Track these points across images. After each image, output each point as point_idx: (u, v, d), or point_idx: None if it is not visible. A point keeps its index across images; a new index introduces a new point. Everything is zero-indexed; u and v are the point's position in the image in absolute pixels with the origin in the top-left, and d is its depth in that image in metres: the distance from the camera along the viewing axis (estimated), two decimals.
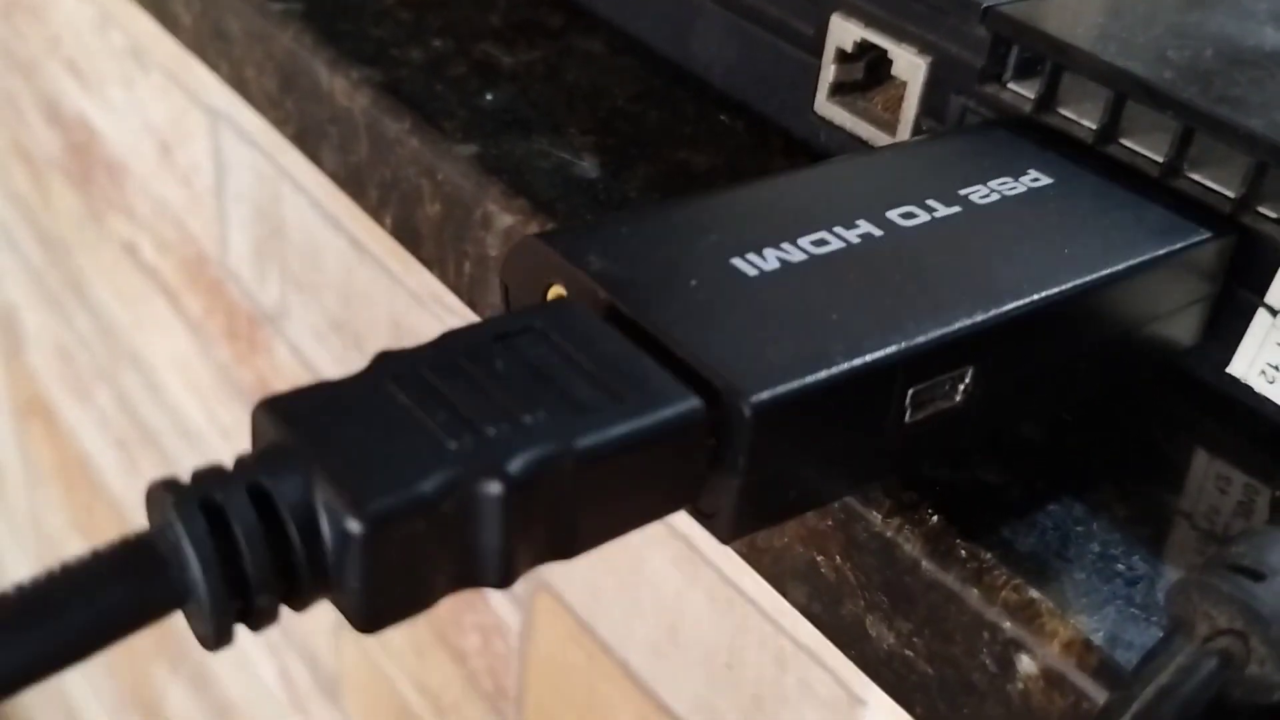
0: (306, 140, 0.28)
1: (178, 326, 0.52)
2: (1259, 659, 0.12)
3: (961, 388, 0.15)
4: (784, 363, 0.14)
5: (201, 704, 0.64)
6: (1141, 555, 0.16)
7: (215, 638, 0.12)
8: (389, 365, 0.13)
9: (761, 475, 0.14)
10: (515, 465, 0.12)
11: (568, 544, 0.13)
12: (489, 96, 0.25)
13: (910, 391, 0.15)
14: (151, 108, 0.47)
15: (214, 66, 0.31)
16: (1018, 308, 0.16)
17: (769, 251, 0.16)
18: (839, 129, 0.23)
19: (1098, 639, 0.15)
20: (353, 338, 0.39)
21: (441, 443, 0.13)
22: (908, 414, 0.15)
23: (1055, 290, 0.16)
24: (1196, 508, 0.18)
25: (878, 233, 0.16)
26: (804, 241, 0.16)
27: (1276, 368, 0.18)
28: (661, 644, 0.31)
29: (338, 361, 0.41)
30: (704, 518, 0.15)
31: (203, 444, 0.54)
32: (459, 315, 0.34)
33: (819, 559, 0.17)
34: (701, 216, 0.16)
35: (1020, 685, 0.15)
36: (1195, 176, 0.19)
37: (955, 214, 0.17)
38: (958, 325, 0.15)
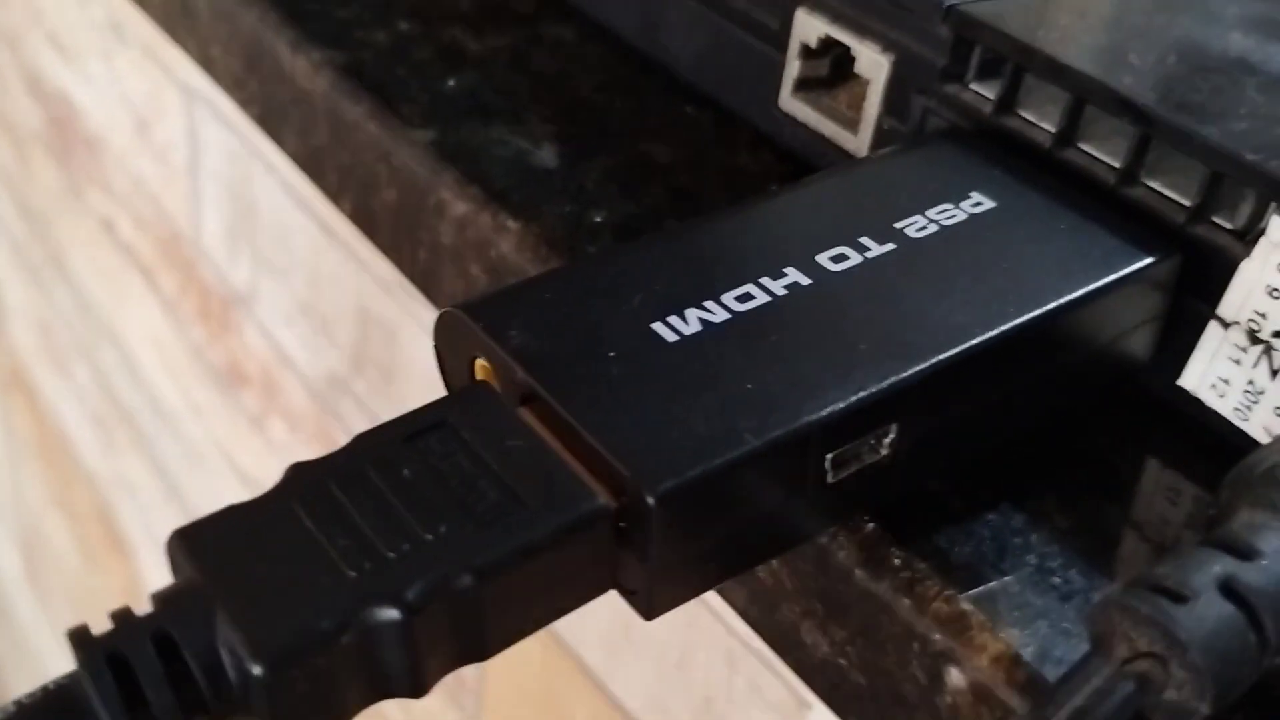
0: (270, 122, 0.28)
1: (153, 304, 0.52)
2: (1177, 684, 0.12)
3: (887, 442, 0.15)
4: (691, 446, 0.14)
5: None
6: (1080, 569, 0.16)
7: None
8: (299, 481, 0.14)
9: (677, 555, 0.14)
10: (412, 592, 0.13)
11: (479, 650, 0.14)
12: (451, 82, 0.25)
13: (829, 456, 0.15)
14: (130, 83, 0.47)
15: (182, 44, 0.31)
16: (943, 359, 0.15)
17: (691, 313, 0.16)
18: (802, 125, 0.23)
19: (1027, 654, 0.15)
20: (320, 321, 0.39)
21: (341, 573, 0.13)
22: (829, 475, 0.15)
23: (987, 335, 0.16)
24: (1145, 518, 0.18)
25: (805, 281, 0.16)
26: (728, 298, 0.16)
27: (1227, 381, 0.18)
28: (616, 640, 0.30)
29: (305, 346, 0.41)
30: (627, 594, 0.15)
31: (176, 423, 0.54)
32: (421, 302, 0.33)
33: None
34: (628, 274, 0.16)
35: (949, 699, 0.15)
36: (1151, 184, 0.18)
37: (888, 253, 0.17)
38: (874, 388, 0.15)
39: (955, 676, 0.15)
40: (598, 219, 0.22)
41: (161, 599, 0.13)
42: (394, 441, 0.14)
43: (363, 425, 0.39)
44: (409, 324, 0.35)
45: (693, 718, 0.28)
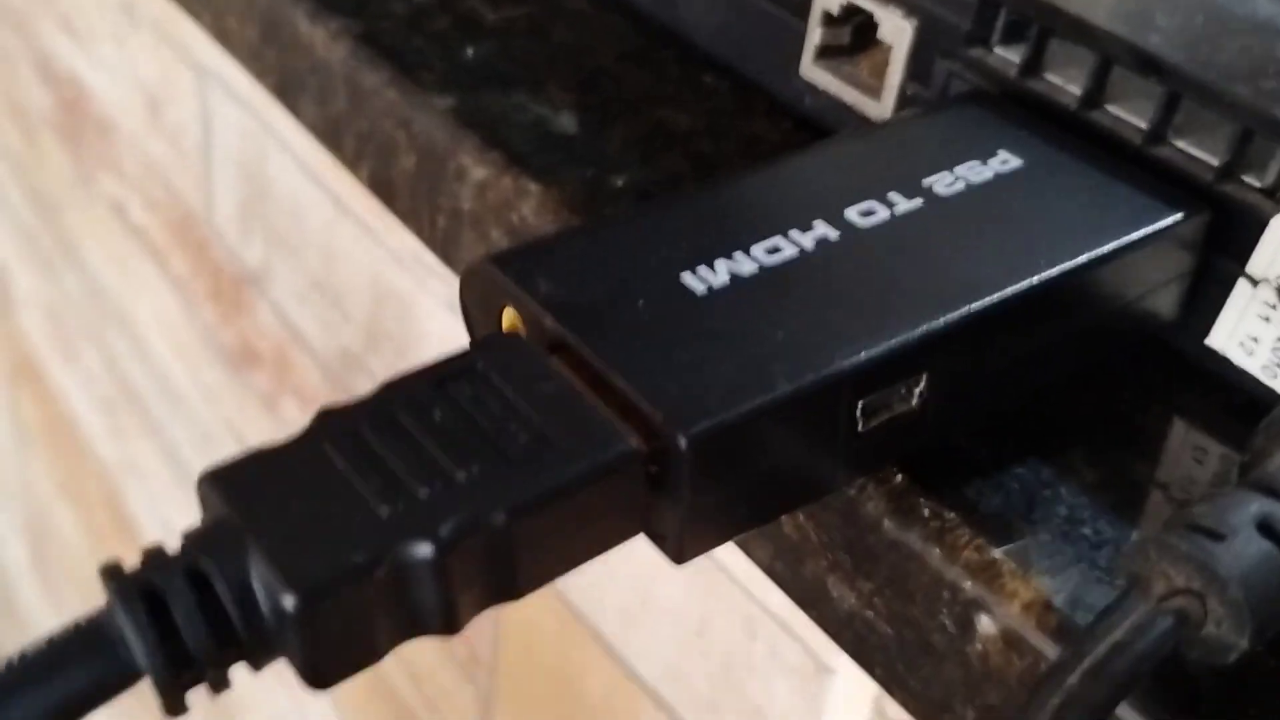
0: (287, 92, 0.28)
1: (164, 287, 0.52)
2: (1216, 620, 0.12)
3: (917, 392, 0.15)
4: (722, 391, 0.14)
5: None
6: (1109, 520, 0.16)
7: (168, 707, 0.13)
8: (329, 425, 0.14)
9: (706, 500, 0.14)
10: (445, 529, 0.13)
11: (511, 589, 0.14)
12: (470, 51, 0.25)
13: (860, 404, 0.15)
14: (141, 64, 0.47)
15: (197, 16, 0.31)
16: (970, 311, 0.15)
17: (720, 264, 0.16)
18: (823, 93, 0.23)
19: (1058, 601, 0.15)
20: (334, 298, 0.39)
21: (374, 510, 0.13)
22: (859, 424, 0.15)
23: (1016, 288, 0.16)
24: (1171, 477, 0.17)
25: (833, 235, 0.16)
26: (757, 250, 0.16)
27: (1255, 339, 0.18)
28: (633, 610, 0.30)
29: (318, 322, 0.41)
30: (656, 538, 0.15)
31: (186, 407, 0.54)
32: (437, 275, 0.33)
33: (782, 517, 0.17)
34: (658, 226, 0.16)
35: (979, 646, 0.15)
36: (1179, 143, 0.18)
37: (916, 209, 0.17)
38: (906, 336, 0.15)
39: (986, 624, 0.15)
40: (619, 183, 0.22)
41: (192, 536, 0.13)
42: (424, 386, 0.14)
43: None
44: (424, 297, 0.35)
45: (710, 685, 0.28)
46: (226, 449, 0.51)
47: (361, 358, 0.39)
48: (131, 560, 0.13)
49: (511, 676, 0.36)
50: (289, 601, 0.12)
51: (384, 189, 0.25)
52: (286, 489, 0.13)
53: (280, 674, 0.14)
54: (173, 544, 0.14)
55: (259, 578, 0.13)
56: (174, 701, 0.13)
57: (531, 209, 0.21)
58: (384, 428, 0.14)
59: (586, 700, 0.33)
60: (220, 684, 0.13)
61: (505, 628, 0.35)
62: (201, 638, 0.13)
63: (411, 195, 0.24)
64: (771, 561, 0.18)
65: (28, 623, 0.94)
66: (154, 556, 0.13)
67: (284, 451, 0.14)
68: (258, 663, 0.13)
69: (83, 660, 0.13)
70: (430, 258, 0.34)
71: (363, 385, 0.41)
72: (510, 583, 0.14)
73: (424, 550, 0.13)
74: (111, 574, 0.13)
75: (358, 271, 0.37)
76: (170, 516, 0.59)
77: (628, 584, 0.30)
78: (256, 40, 0.28)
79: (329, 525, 0.13)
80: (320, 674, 0.13)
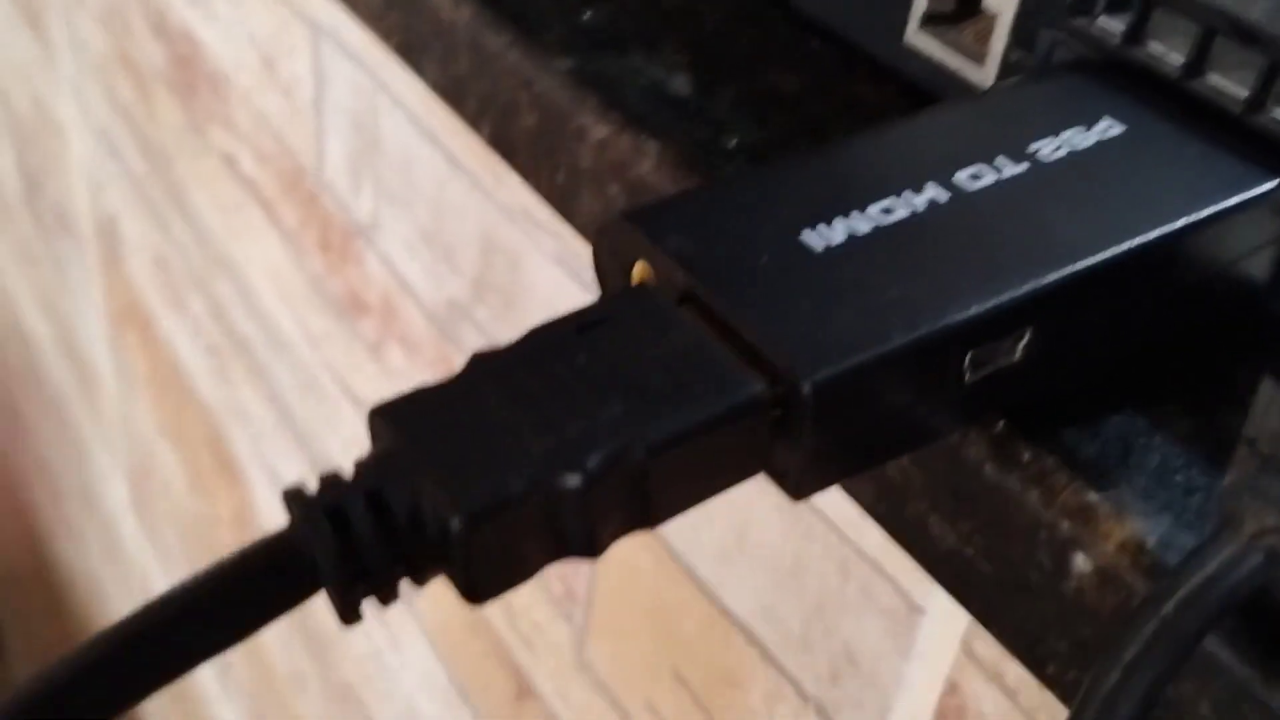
0: (410, 53, 0.29)
1: (272, 237, 0.53)
2: None
3: (1021, 347, 0.16)
4: (842, 341, 0.15)
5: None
6: (1200, 469, 0.17)
7: (345, 615, 0.14)
8: (482, 367, 0.15)
9: (825, 442, 0.15)
10: (591, 462, 0.14)
11: (647, 519, 0.15)
12: (588, 15, 0.26)
13: (967, 356, 0.16)
14: (255, 21, 0.48)
15: None
16: (1074, 271, 0.16)
17: (838, 222, 0.17)
18: (928, 59, 0.24)
19: (1151, 542, 0.16)
20: (442, 250, 0.41)
21: (527, 443, 0.14)
22: (967, 375, 0.16)
23: (1116, 249, 0.17)
24: (1260, 432, 0.18)
25: (944, 197, 0.17)
26: (873, 210, 0.17)
27: None
28: (729, 550, 0.32)
29: (426, 274, 0.42)
30: (777, 476, 0.16)
31: (292, 353, 0.56)
32: (547, 230, 0.35)
33: (887, 463, 0.18)
34: (777, 186, 0.17)
35: (1074, 583, 0.16)
36: (1277, 114, 0.19)
37: (1022, 173, 0.18)
38: (1012, 292, 0.16)
39: (1081, 561, 0.16)
40: (731, 144, 0.23)
41: (366, 463, 0.15)
42: (566, 332, 0.16)
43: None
44: (532, 251, 0.36)
45: (803, 624, 0.30)
46: (330, 395, 0.53)
47: (468, 308, 0.40)
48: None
49: (606, 613, 0.38)
50: (455, 523, 0.14)
51: (504, 146, 0.26)
52: (449, 423, 0.15)
53: (375, 611, 0.15)
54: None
55: (428, 501, 0.14)
56: (350, 610, 0.14)
57: (650, 167, 0.23)
58: (532, 369, 0.15)
59: (680, 637, 0.34)
60: (390, 596, 0.14)
61: (601, 565, 0.37)
62: (379, 554, 0.14)
63: (531, 154, 0.25)
64: (874, 503, 0.19)
65: (129, 562, 0.98)
66: (331, 481, 0.14)
67: (444, 389, 0.15)
68: (422, 578, 0.15)
69: (272, 574, 0.14)
70: (541, 214, 0.35)
71: (468, 335, 0.43)
72: (645, 513, 0.15)
73: (573, 481, 0.14)
74: (295, 498, 0.14)
75: (467, 225, 0.39)
76: (271, 459, 0.62)
77: (724, 525, 0.31)
78: (380, 4, 0.30)
79: (489, 456, 0.14)
80: (478, 589, 0.14)
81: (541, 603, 0.41)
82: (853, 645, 0.29)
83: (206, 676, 0.84)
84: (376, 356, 0.48)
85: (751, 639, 0.32)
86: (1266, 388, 0.19)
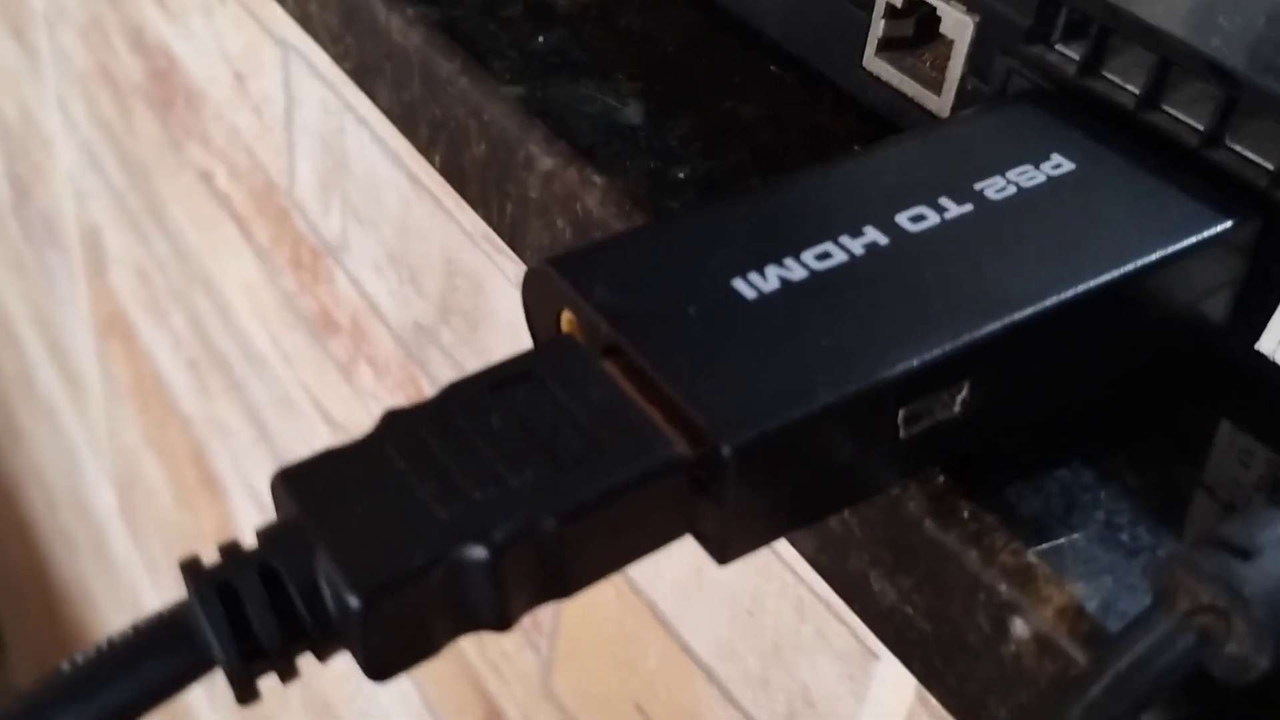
0: (364, 76, 0.28)
1: (247, 253, 0.53)
2: (1239, 638, 0.12)
3: (959, 399, 0.16)
4: (767, 399, 0.14)
5: None
6: (1148, 526, 0.16)
7: (240, 696, 0.14)
8: (393, 427, 0.15)
9: (750, 504, 0.15)
10: (499, 533, 0.14)
11: (564, 588, 0.15)
12: (541, 39, 0.25)
13: (901, 411, 0.15)
14: (228, 38, 0.48)
15: (280, 1, 0.31)
16: (1014, 321, 0.16)
17: (771, 270, 0.16)
18: (886, 85, 0.23)
19: (1091, 607, 0.15)
20: (408, 272, 0.40)
21: (432, 513, 0.14)
22: (901, 430, 0.15)
23: (1059, 297, 0.16)
24: (1217, 480, 0.18)
25: (883, 241, 0.16)
26: (808, 255, 0.16)
27: None
28: (688, 587, 0.31)
29: (393, 295, 0.42)
30: (702, 539, 0.15)
31: (268, 370, 0.55)
32: (507, 254, 0.34)
33: None
34: (710, 232, 0.17)
35: (1013, 648, 0.15)
36: (1235, 147, 0.18)
37: (966, 214, 0.17)
38: (949, 345, 0.15)
39: (1020, 627, 0.15)
40: (681, 175, 0.22)
41: (266, 535, 0.14)
42: (483, 390, 0.15)
43: (448, 373, 0.40)
44: (494, 275, 0.35)
45: (761, 663, 0.29)
46: (305, 412, 0.53)
47: (433, 331, 0.40)
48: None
49: (571, 643, 0.37)
50: (353, 601, 0.13)
51: (455, 175, 0.26)
52: (352, 490, 0.14)
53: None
54: (238, 540, 0.14)
55: (325, 577, 0.13)
56: (246, 690, 0.14)
57: (596, 200, 0.22)
58: (444, 431, 0.14)
59: (642, 669, 0.34)
60: (288, 674, 0.14)
61: None
62: (273, 633, 0.13)
63: (482, 183, 0.25)
64: (816, 554, 0.18)
65: (118, 567, 0.97)
66: (230, 553, 0.14)
67: (351, 452, 0.15)
68: (323, 654, 0.14)
69: (164, 652, 0.14)
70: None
71: (434, 358, 0.42)
72: (561, 582, 0.14)
73: (478, 553, 0.13)
74: (191, 571, 0.14)
75: (431, 247, 0.38)
76: (251, 472, 0.61)
77: (683, 559, 0.31)
78: (337, 25, 0.29)
79: (391, 527, 0.14)
80: (380, 667, 0.14)
81: (510, 632, 0.40)
82: (810, 686, 0.28)
83: (196, 692, 0.84)
84: (347, 376, 0.47)
85: (711, 677, 0.31)
86: (1225, 433, 0.19)
